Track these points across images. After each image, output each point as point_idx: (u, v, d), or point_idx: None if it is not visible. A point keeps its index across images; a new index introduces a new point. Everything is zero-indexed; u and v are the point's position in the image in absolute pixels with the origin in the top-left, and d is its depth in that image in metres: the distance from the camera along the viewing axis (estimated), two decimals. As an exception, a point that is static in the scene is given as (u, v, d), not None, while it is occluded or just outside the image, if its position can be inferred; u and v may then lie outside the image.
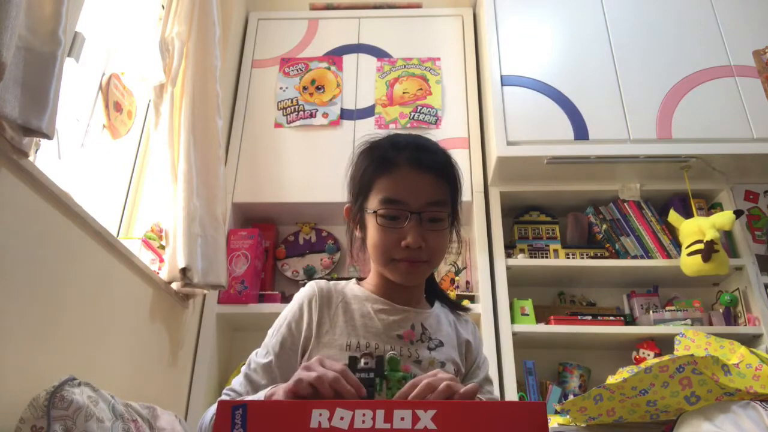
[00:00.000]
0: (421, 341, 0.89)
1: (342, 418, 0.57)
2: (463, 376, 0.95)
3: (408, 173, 0.87)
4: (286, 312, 0.93)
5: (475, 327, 1.04)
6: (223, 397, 0.86)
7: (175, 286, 1.69)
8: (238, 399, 0.84)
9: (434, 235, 0.87)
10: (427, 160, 0.89)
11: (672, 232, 2.12)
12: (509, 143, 2.09)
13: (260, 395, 0.75)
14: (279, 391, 0.70)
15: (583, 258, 2.14)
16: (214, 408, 0.84)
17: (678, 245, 2.07)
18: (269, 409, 0.61)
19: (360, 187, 0.92)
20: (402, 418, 0.57)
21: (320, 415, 0.57)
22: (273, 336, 0.90)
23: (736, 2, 2.29)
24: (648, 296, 2.16)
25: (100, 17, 1.68)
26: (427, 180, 0.88)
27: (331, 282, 0.96)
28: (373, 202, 0.88)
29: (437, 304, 0.99)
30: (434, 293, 1.02)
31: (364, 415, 0.57)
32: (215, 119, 1.88)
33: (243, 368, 0.89)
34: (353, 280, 0.99)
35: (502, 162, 2.10)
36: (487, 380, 0.98)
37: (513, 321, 1.99)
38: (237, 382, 0.88)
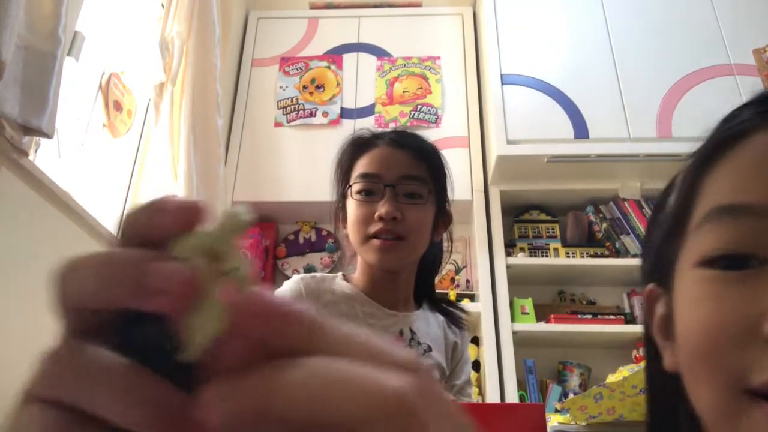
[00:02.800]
0: (409, 347, 0.87)
1: None
2: (446, 376, 0.93)
3: (384, 150, 0.89)
4: None
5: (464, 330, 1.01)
6: None
7: (175, 285, 1.69)
8: None
9: (412, 209, 0.85)
10: (404, 140, 0.90)
11: (672, 230, 2.12)
12: (509, 142, 2.08)
13: None
14: None
15: (583, 257, 2.14)
16: None
17: (678, 244, 2.06)
18: None
19: (341, 174, 0.94)
20: None
21: None
22: None
23: (736, 1, 2.29)
24: (648, 295, 2.16)
25: (100, 16, 1.68)
26: (403, 155, 0.88)
27: (318, 276, 0.94)
28: (351, 181, 0.90)
29: (425, 305, 0.97)
30: (429, 298, 0.99)
31: None
32: (215, 118, 1.88)
33: None
34: (340, 275, 0.96)
35: (502, 161, 2.09)
36: (469, 383, 0.97)
37: (513, 320, 1.98)
38: None
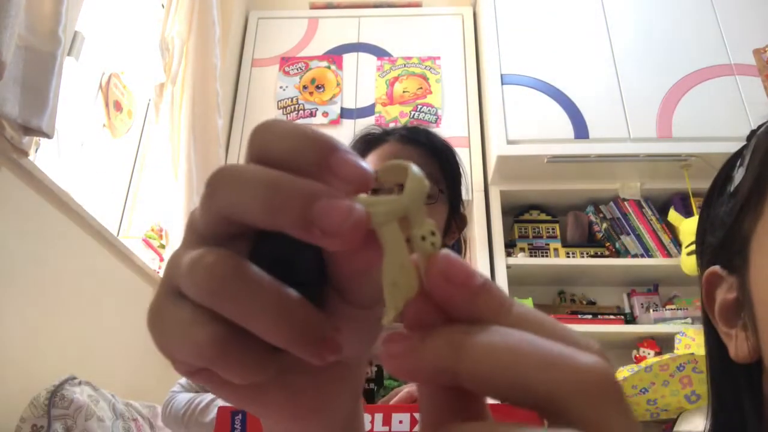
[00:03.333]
0: None
1: None
2: None
3: (393, 146, 0.84)
4: None
5: None
6: (175, 388, 0.87)
7: (175, 285, 1.69)
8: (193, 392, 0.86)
9: None
10: (415, 136, 0.86)
11: (672, 230, 2.12)
12: (509, 142, 2.08)
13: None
14: None
15: (583, 257, 2.14)
16: (185, 396, 0.85)
17: (678, 244, 2.07)
18: None
19: None
20: (400, 421, 0.57)
21: None
22: None
23: (736, 1, 2.29)
24: (648, 295, 2.16)
25: (100, 16, 1.68)
26: (413, 152, 0.83)
27: None
28: None
29: None
30: None
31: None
32: (215, 118, 1.88)
33: None
34: None
35: (502, 161, 2.09)
36: None
37: (513, 320, 1.98)
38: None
